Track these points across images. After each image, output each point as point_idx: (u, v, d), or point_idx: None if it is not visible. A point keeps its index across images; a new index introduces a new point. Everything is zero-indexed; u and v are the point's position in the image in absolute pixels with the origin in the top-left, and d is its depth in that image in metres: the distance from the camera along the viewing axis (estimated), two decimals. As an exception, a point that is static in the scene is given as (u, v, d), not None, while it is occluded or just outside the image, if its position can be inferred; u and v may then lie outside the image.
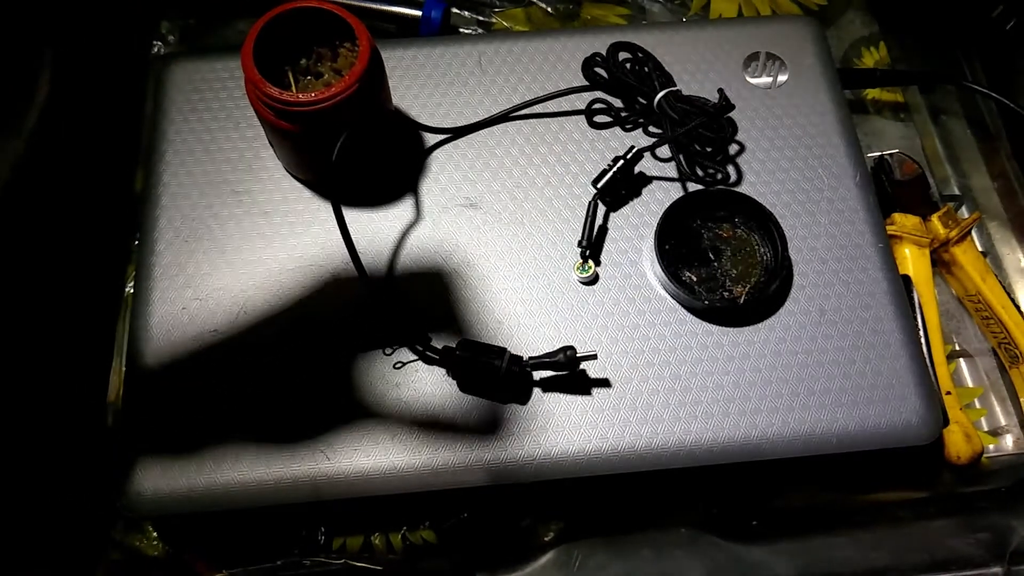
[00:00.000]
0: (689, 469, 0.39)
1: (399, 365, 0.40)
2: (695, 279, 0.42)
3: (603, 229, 0.44)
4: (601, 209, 0.44)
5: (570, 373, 0.40)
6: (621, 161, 0.43)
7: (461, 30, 0.58)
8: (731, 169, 0.45)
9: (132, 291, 0.43)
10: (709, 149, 0.45)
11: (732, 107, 0.43)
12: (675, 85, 0.45)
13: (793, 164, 0.46)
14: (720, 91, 0.44)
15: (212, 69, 0.47)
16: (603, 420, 0.39)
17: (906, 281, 0.47)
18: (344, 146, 0.38)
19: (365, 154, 0.42)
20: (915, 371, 0.41)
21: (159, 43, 0.58)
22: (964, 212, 0.54)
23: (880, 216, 0.45)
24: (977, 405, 0.48)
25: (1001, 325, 0.47)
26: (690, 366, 0.40)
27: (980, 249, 0.51)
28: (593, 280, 0.42)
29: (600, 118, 0.47)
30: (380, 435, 0.39)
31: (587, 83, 0.47)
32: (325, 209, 0.44)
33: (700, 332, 0.41)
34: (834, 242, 0.44)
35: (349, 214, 0.42)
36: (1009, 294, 0.48)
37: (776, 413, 0.40)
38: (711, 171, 0.45)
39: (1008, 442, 0.47)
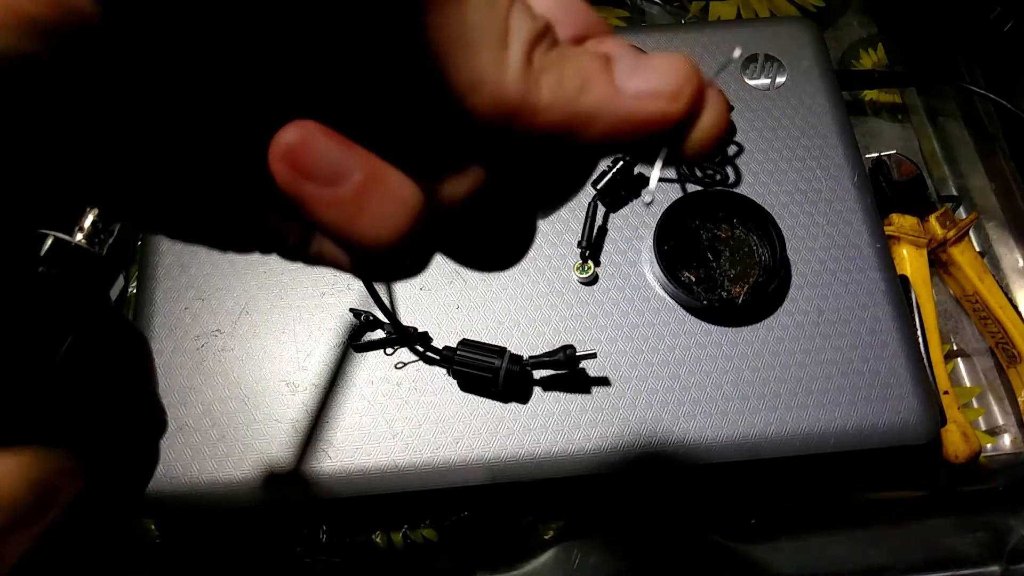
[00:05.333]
0: (688, 468, 0.39)
1: (400, 365, 0.40)
2: (694, 279, 0.42)
3: (602, 230, 0.44)
4: (600, 210, 0.44)
5: (570, 372, 0.40)
6: (620, 162, 0.43)
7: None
8: (730, 170, 0.46)
9: (135, 291, 0.43)
10: (708, 150, 0.45)
11: (731, 108, 0.44)
12: (674, 87, 0.45)
13: (791, 165, 0.46)
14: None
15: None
16: (602, 419, 0.39)
17: (904, 281, 0.47)
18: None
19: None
20: (913, 371, 0.41)
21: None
22: (962, 213, 0.54)
23: (878, 217, 0.45)
24: (975, 404, 0.48)
25: (999, 325, 0.47)
26: (689, 365, 0.41)
27: (978, 249, 0.51)
28: (592, 280, 0.43)
29: (600, 119, 0.47)
30: (382, 434, 0.39)
31: (587, 85, 0.47)
32: (327, 210, 0.44)
33: (699, 332, 0.41)
34: (832, 242, 0.44)
35: (350, 215, 0.42)
36: (1007, 294, 0.48)
37: (774, 412, 0.40)
38: (710, 172, 0.45)
39: (1006, 441, 0.47)
